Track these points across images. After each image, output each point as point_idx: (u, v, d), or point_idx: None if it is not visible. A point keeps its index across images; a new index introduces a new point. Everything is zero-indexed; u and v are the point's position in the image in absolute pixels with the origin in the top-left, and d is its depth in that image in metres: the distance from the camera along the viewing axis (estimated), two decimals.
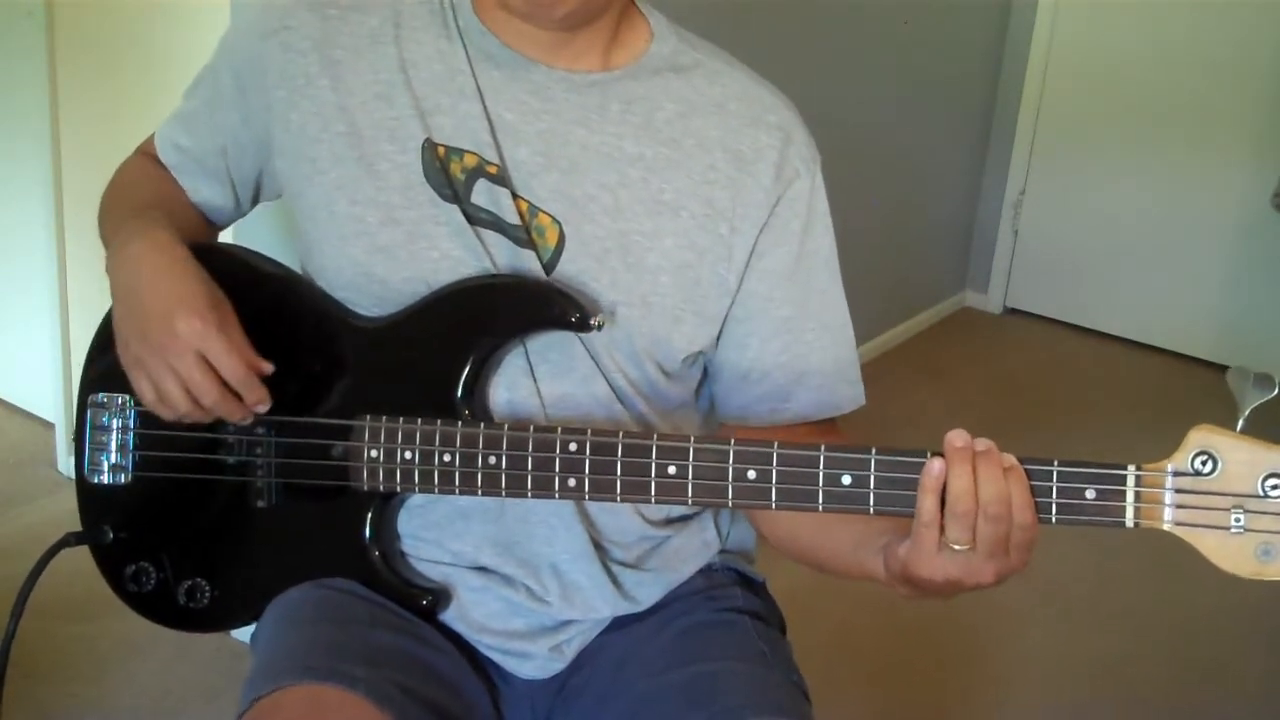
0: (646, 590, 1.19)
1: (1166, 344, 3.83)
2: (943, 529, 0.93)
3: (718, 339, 1.15)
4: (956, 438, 0.94)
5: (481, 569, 1.15)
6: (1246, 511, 0.90)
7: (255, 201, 1.25)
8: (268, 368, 1.08)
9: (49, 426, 2.71)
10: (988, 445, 0.93)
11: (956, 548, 0.93)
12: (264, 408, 1.08)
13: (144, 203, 1.18)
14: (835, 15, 3.08)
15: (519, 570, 1.14)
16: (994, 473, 0.92)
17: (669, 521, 1.20)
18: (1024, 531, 0.93)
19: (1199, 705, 2.32)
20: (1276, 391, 0.92)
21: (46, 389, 2.66)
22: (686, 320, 1.11)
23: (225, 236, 1.30)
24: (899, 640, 2.41)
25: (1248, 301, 3.69)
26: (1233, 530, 0.91)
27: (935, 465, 0.93)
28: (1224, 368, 0.95)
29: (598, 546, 1.15)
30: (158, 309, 1.05)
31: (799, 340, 1.15)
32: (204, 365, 1.05)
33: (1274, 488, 0.90)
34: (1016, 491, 0.93)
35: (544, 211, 1.08)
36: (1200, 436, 0.91)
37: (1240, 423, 0.91)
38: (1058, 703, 2.30)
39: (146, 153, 1.26)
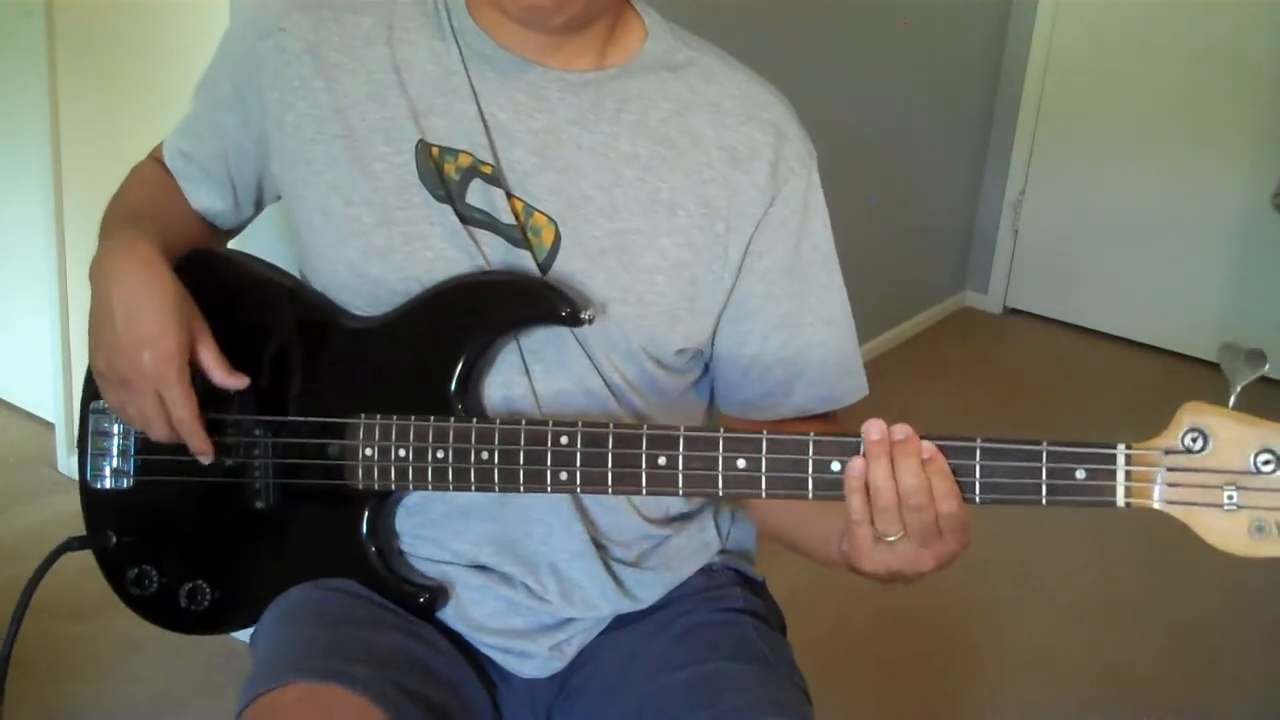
0: (646, 589, 1.19)
1: (1166, 344, 3.83)
2: (874, 523, 0.94)
3: (717, 335, 1.15)
4: (872, 429, 0.94)
5: (480, 567, 1.15)
6: (1239, 488, 0.90)
7: (259, 206, 1.25)
8: (234, 383, 1.10)
9: (49, 426, 2.71)
10: (905, 433, 0.94)
11: (890, 539, 0.95)
12: (207, 460, 1.11)
13: (140, 209, 1.18)
14: (835, 14, 3.08)
15: (518, 569, 1.14)
16: (911, 464, 0.93)
17: (669, 520, 1.20)
18: (951, 518, 0.94)
19: (1198, 702, 2.32)
20: (1268, 368, 0.92)
21: (46, 389, 2.66)
22: (683, 319, 1.11)
23: None
24: (899, 639, 2.41)
25: (1248, 301, 3.69)
26: (1225, 508, 0.90)
27: (856, 465, 0.94)
28: (1219, 360, 0.95)
29: (597, 545, 1.15)
30: (127, 339, 1.05)
31: (798, 335, 1.15)
32: (159, 403, 1.07)
33: (1266, 464, 0.89)
34: (937, 481, 0.93)
35: (540, 211, 1.08)
36: (1191, 414, 0.91)
37: (1232, 399, 0.91)
38: (1056, 700, 2.30)
39: (157, 158, 1.26)
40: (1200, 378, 3.59)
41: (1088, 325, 3.98)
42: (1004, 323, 4.11)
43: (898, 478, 0.93)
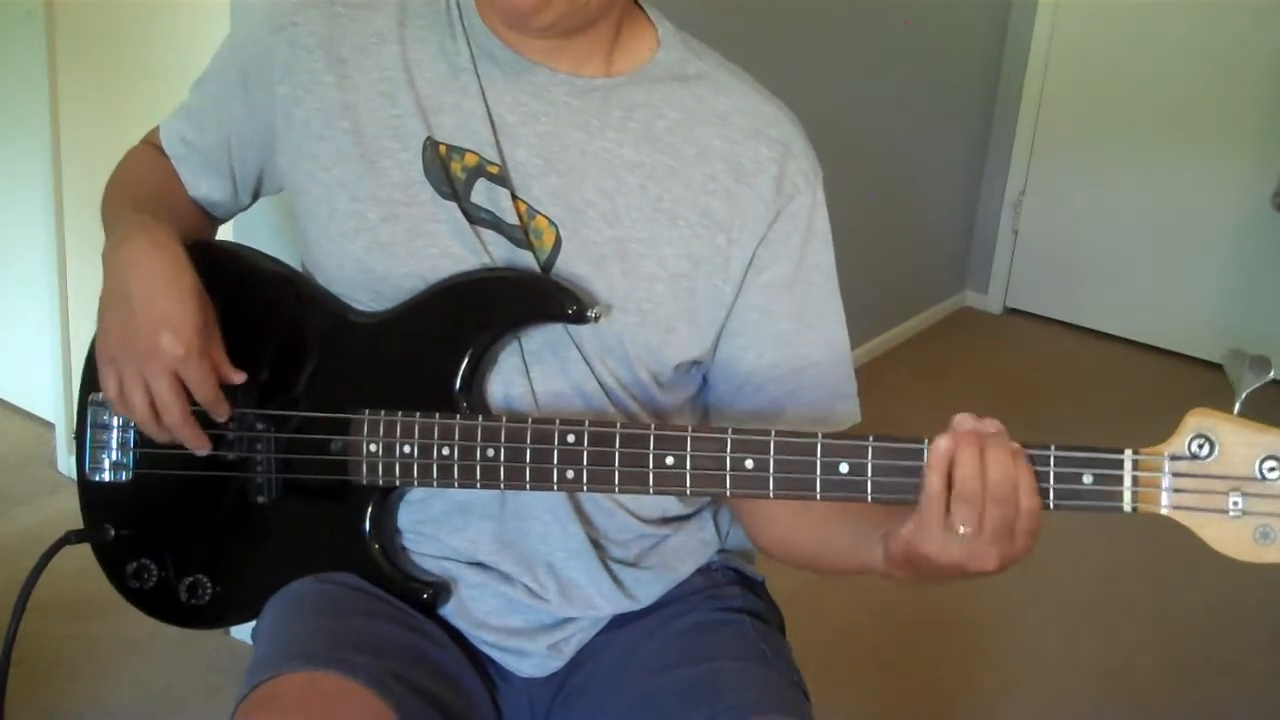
0: (645, 589, 1.19)
1: (1166, 344, 3.83)
2: (949, 510, 0.93)
3: (714, 349, 1.14)
4: (965, 420, 0.94)
5: (480, 565, 1.15)
6: (1244, 494, 0.90)
7: (255, 196, 1.25)
8: (238, 378, 1.11)
9: (49, 426, 2.71)
10: (997, 428, 0.94)
11: (962, 529, 0.93)
12: (223, 418, 1.11)
13: (146, 194, 1.19)
14: (835, 15, 3.08)
15: (517, 568, 1.14)
16: (1002, 456, 0.93)
17: (666, 520, 1.20)
18: (1030, 518, 0.94)
19: (1200, 701, 2.32)
20: (1272, 374, 0.92)
21: (46, 389, 2.66)
22: (680, 330, 1.11)
23: (225, 231, 1.30)
24: (898, 638, 2.41)
25: (1248, 301, 3.69)
26: (1231, 514, 0.91)
27: (942, 443, 0.93)
28: (1223, 367, 0.95)
29: (595, 545, 1.15)
30: (146, 320, 1.06)
31: (795, 354, 1.14)
32: (176, 386, 1.07)
33: (1271, 470, 0.90)
34: (1023, 476, 0.93)
35: (542, 214, 1.08)
36: (1197, 420, 0.91)
37: (1237, 406, 0.91)
38: (1058, 699, 2.30)
39: (151, 143, 1.26)
40: (1200, 378, 3.59)
41: (1088, 325, 3.98)
42: (1004, 323, 4.11)
43: (987, 469, 0.92)
